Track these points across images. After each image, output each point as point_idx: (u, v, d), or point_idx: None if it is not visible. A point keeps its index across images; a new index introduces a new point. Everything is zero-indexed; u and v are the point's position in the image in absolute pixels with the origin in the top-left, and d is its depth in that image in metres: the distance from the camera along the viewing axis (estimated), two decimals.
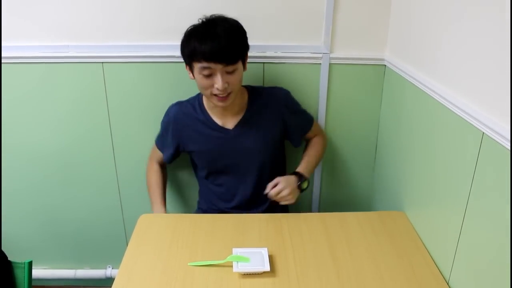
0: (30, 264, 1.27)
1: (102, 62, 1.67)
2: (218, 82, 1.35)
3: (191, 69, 1.41)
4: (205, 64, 1.34)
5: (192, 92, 1.59)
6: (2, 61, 1.66)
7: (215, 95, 1.40)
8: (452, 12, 1.17)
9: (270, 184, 1.49)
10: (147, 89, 1.72)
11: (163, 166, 1.72)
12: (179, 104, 1.59)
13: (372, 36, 1.67)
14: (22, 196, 1.91)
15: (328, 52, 1.67)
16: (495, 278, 0.98)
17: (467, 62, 1.10)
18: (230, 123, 1.54)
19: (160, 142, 1.65)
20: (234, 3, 1.60)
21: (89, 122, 1.78)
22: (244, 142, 1.54)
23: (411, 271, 1.23)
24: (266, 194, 1.49)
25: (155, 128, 1.65)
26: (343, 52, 1.68)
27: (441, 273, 1.22)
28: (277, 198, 1.47)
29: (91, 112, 1.76)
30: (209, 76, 1.36)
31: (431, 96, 1.28)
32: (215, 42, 1.32)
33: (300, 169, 1.58)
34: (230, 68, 1.36)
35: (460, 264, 1.14)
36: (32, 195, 1.91)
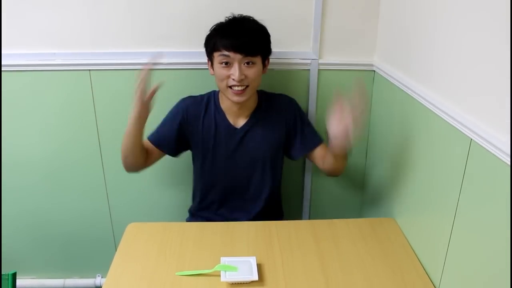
0: (14, 275, 1.25)
1: (89, 70, 1.65)
2: (235, 72, 1.37)
3: (212, 62, 1.44)
4: (224, 52, 1.37)
5: (178, 99, 1.57)
6: None
7: (231, 88, 1.41)
8: (440, 18, 1.17)
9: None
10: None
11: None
12: (192, 97, 1.57)
13: (361, 42, 1.67)
14: (8, 204, 1.88)
15: (317, 58, 1.66)
16: (485, 285, 0.97)
17: (454, 68, 1.10)
18: (239, 124, 1.54)
19: (156, 132, 1.55)
20: (224, 11, 1.59)
21: (77, 130, 1.76)
22: (249, 142, 1.54)
23: (401, 278, 1.22)
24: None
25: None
26: (332, 57, 1.68)
27: (431, 280, 1.21)
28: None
29: (78, 119, 1.74)
30: (227, 65, 1.39)
31: (419, 101, 1.27)
32: (236, 33, 1.38)
33: None
34: (248, 59, 1.39)
35: (449, 271, 1.13)
36: (18, 202, 1.88)
